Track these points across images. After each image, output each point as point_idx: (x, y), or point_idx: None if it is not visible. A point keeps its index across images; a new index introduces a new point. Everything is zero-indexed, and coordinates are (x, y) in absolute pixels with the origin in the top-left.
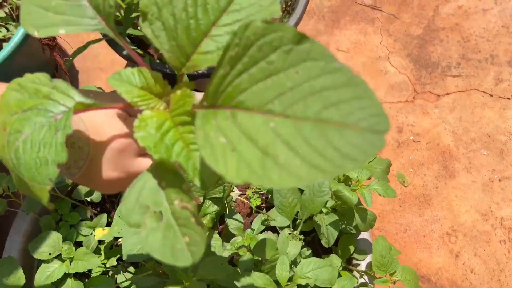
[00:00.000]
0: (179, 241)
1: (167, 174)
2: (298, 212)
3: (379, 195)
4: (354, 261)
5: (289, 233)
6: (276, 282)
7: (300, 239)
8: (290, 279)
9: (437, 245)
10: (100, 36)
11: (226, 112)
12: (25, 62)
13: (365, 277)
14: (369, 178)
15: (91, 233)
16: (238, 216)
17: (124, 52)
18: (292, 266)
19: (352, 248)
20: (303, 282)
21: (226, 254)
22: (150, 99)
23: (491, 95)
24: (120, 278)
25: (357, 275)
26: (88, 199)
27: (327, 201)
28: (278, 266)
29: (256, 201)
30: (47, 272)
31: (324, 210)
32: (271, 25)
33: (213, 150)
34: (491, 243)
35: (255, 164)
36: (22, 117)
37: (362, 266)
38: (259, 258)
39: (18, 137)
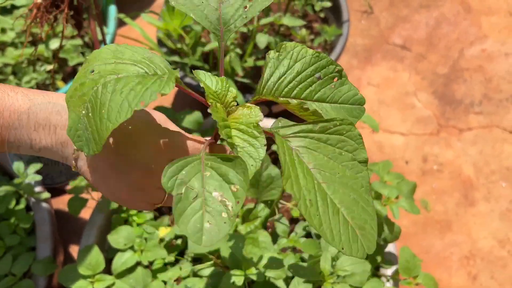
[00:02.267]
0: (199, 221)
1: (221, 166)
2: None
3: (406, 210)
4: (381, 270)
5: None
6: (319, 274)
7: None
8: (331, 272)
9: (456, 267)
10: None
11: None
12: None
13: (391, 281)
14: (397, 197)
15: (155, 232)
16: (284, 220)
17: (186, 79)
18: (332, 262)
19: (379, 258)
20: (342, 273)
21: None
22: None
23: (510, 132)
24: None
25: (384, 280)
26: None
27: None
28: (322, 260)
29: (296, 213)
30: (122, 260)
31: None
32: None
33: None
34: (507, 267)
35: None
36: (119, 65)
37: (388, 273)
38: (303, 256)
39: (111, 77)
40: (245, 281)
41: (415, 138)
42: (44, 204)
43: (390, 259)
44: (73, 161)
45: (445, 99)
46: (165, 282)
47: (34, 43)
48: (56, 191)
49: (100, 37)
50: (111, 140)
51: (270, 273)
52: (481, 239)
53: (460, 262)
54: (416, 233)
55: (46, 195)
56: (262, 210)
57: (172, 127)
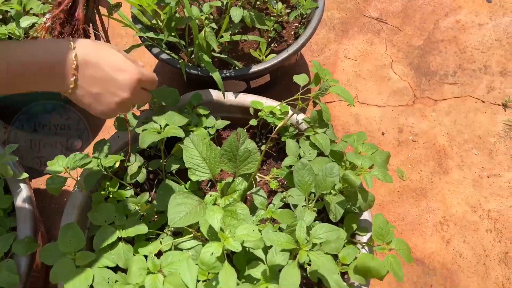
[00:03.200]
0: None
1: None
2: (311, 193)
3: (379, 179)
4: (357, 237)
5: (304, 206)
6: (295, 242)
7: (313, 211)
8: (306, 240)
9: (431, 232)
10: (138, 42)
11: None
12: None
13: (366, 248)
14: (371, 167)
15: (135, 208)
16: (262, 192)
17: (162, 56)
18: (308, 231)
19: (355, 226)
20: (317, 241)
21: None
22: None
23: (483, 102)
24: (159, 244)
25: (360, 247)
26: (133, 180)
27: (336, 184)
28: (297, 229)
29: (274, 185)
30: (103, 236)
31: (333, 192)
32: None
33: None
34: (478, 231)
35: None
36: None
37: (364, 240)
38: (281, 226)
39: None
40: (223, 251)
41: (391, 110)
42: (23, 185)
43: (366, 227)
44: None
45: (420, 70)
46: (146, 257)
47: None
48: (37, 172)
49: None
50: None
51: (248, 244)
52: (454, 205)
53: (435, 227)
54: (392, 201)
55: (24, 175)
56: (240, 184)
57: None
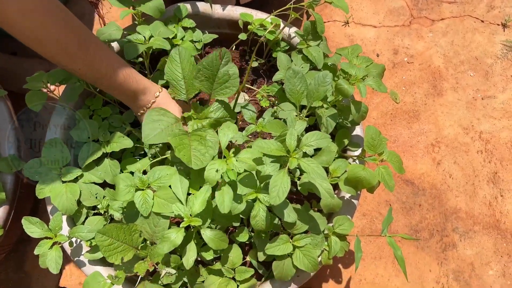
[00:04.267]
0: None
1: None
2: (302, 107)
3: (372, 88)
4: (348, 152)
5: (296, 115)
6: (286, 151)
7: (304, 120)
8: (297, 147)
9: (422, 154)
10: None
11: None
12: None
13: (357, 161)
14: (364, 78)
15: (121, 126)
16: (251, 106)
17: None
18: (298, 139)
19: (346, 141)
20: (307, 149)
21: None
22: None
23: (482, 21)
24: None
25: (351, 161)
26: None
27: (328, 97)
28: (288, 137)
29: (265, 103)
30: (88, 152)
31: (325, 105)
32: None
33: None
34: (469, 153)
35: None
36: None
37: (355, 155)
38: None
39: None
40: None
41: (386, 30)
42: (2, 103)
43: (358, 142)
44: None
45: None
46: (132, 173)
47: None
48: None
49: None
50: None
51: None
52: (447, 127)
53: (426, 149)
54: (384, 124)
55: (2, 92)
56: (215, 112)
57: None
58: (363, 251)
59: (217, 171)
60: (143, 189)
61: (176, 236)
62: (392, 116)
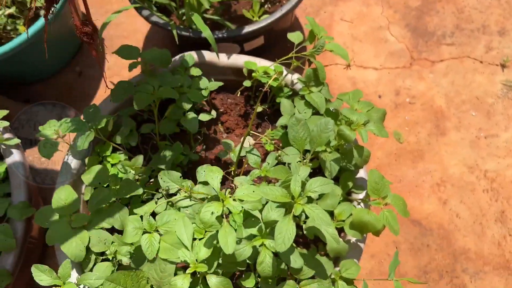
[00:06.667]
0: None
1: None
2: (306, 151)
3: (374, 134)
4: (353, 195)
5: (299, 161)
6: (290, 196)
7: (308, 166)
8: (301, 194)
9: (428, 194)
10: (128, 5)
11: None
12: (59, 30)
13: (362, 204)
14: (367, 123)
15: (130, 171)
16: (256, 151)
17: (152, 18)
18: (303, 185)
19: (350, 184)
20: (312, 195)
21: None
22: None
23: (481, 62)
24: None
25: (355, 204)
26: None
27: (331, 141)
28: (292, 182)
29: (270, 147)
30: (99, 197)
31: (328, 149)
32: None
33: None
34: (475, 192)
35: None
36: None
37: (360, 198)
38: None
39: None
40: (223, 211)
41: (388, 72)
42: (15, 151)
43: (362, 185)
44: None
45: (417, 31)
46: (141, 217)
47: None
48: (29, 143)
49: None
50: None
51: (247, 204)
52: (452, 166)
53: (432, 189)
54: (389, 164)
55: (16, 141)
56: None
57: None
58: None
59: (212, 213)
60: (150, 232)
61: (183, 283)
62: (396, 156)
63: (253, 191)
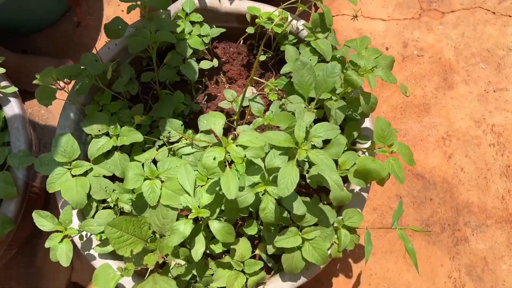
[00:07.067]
0: None
1: None
2: (311, 99)
3: (382, 79)
4: (358, 145)
5: (304, 107)
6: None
7: (313, 112)
8: (305, 139)
9: (433, 148)
10: None
11: None
12: None
13: (367, 153)
14: (373, 69)
15: (130, 120)
16: (259, 99)
17: None
18: (307, 131)
19: (356, 134)
20: (316, 141)
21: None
22: None
23: (493, 13)
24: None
25: (360, 153)
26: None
27: (337, 89)
28: (296, 128)
29: (273, 97)
30: (98, 145)
31: (334, 97)
32: None
33: None
34: (481, 146)
35: None
36: None
37: (364, 147)
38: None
39: None
40: (225, 157)
41: (396, 23)
42: (13, 99)
43: (367, 134)
44: None
45: None
46: (143, 165)
47: None
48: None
49: None
50: None
51: (250, 152)
52: (458, 121)
53: (437, 143)
54: (394, 117)
55: (13, 88)
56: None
57: None
58: (374, 246)
59: (214, 158)
60: (151, 179)
61: (185, 228)
62: (402, 110)
63: (256, 137)
